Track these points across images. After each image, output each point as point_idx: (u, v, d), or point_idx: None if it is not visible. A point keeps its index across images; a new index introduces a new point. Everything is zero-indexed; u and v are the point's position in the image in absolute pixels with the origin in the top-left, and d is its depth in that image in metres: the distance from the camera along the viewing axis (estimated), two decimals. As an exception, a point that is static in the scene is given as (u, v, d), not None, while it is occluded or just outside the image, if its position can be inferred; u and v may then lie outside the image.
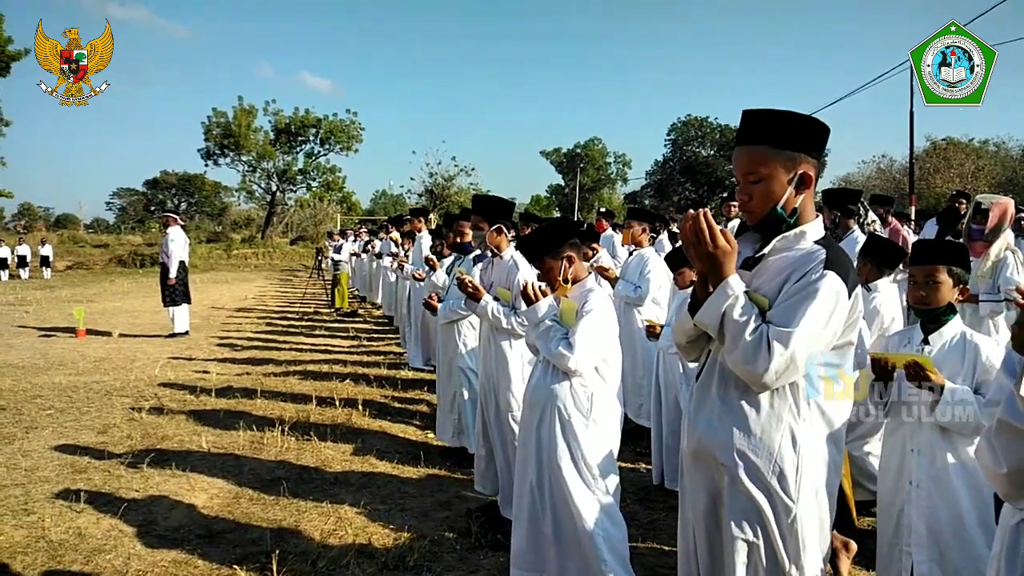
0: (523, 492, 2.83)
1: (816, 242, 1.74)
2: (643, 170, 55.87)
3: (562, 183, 57.53)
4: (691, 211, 1.67)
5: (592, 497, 2.68)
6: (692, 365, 1.97)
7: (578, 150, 56.03)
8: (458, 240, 5.27)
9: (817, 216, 1.79)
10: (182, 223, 10.61)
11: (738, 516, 1.74)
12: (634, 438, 4.89)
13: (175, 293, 9.99)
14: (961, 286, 2.53)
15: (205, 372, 7.52)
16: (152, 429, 5.34)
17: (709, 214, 1.67)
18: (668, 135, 47.20)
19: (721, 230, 1.65)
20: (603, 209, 10.02)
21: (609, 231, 8.36)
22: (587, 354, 2.67)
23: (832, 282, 1.63)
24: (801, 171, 1.71)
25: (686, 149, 46.03)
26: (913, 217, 12.78)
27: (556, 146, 57.57)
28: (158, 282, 10.20)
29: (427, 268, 5.88)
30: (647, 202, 45.23)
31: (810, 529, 1.72)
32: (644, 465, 4.48)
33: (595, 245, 6.17)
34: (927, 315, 2.54)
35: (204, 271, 26.12)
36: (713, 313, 1.68)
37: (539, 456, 2.76)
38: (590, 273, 3.00)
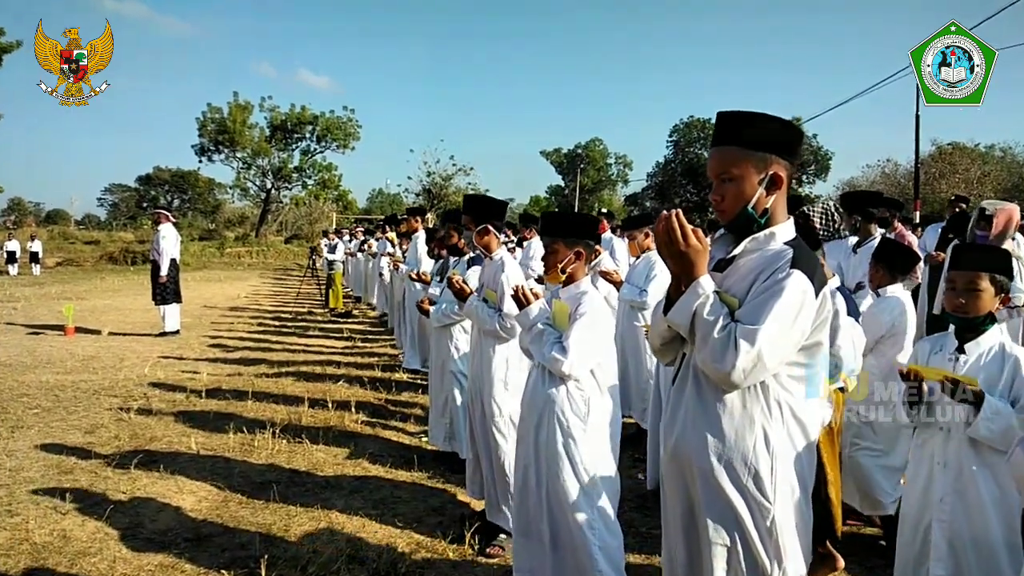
0: (523, 497, 2.78)
1: (786, 243, 1.75)
2: (644, 171, 55.60)
3: (562, 184, 57.33)
4: (664, 212, 1.69)
5: (589, 504, 2.63)
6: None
7: (579, 151, 55.87)
8: (445, 243, 5.18)
9: (789, 218, 1.80)
10: (174, 220, 10.52)
11: (715, 520, 1.73)
12: (633, 444, 4.84)
13: (166, 291, 9.89)
14: (1003, 295, 2.38)
15: (195, 372, 7.43)
16: (140, 430, 5.25)
17: (682, 214, 1.68)
18: (670, 136, 47.01)
19: (693, 229, 1.66)
20: (604, 210, 9.98)
21: (608, 233, 8.31)
22: (581, 358, 2.62)
23: (798, 280, 1.63)
24: (772, 172, 1.72)
25: (688, 151, 45.81)
26: (917, 222, 12.79)
27: (556, 146, 57.49)
28: (149, 280, 10.09)
29: (421, 286, 5.79)
30: (648, 204, 45.07)
31: (789, 531, 1.71)
32: (642, 475, 4.42)
33: (597, 247, 6.10)
34: (964, 324, 2.38)
35: (196, 269, 25.97)
36: (684, 313, 1.68)
37: (537, 461, 2.72)
38: (587, 275, 2.95)
